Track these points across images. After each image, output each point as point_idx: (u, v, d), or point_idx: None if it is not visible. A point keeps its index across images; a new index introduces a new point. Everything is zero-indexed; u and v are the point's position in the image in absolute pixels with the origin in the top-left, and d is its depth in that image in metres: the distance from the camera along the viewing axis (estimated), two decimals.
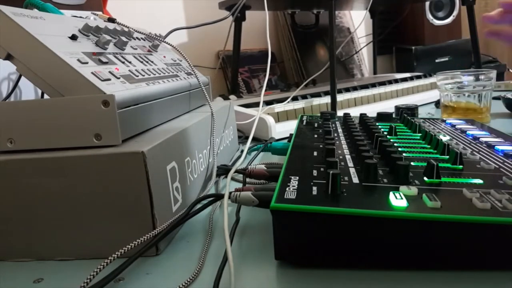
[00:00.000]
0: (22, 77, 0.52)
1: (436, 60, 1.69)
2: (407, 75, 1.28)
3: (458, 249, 0.28)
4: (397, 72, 1.65)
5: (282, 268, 0.30)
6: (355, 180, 0.33)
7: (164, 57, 0.58)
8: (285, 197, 0.29)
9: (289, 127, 0.76)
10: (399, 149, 0.43)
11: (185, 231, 0.39)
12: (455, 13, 1.71)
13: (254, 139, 0.70)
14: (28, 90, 0.68)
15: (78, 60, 0.37)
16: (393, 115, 0.63)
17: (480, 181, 0.33)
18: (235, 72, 1.20)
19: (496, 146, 0.43)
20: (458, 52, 1.69)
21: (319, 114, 0.63)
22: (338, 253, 0.29)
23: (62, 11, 0.49)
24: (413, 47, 1.67)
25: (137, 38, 0.55)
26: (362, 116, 0.58)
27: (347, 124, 0.53)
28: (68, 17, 0.47)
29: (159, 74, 0.49)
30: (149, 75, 0.46)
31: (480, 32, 1.26)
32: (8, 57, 0.37)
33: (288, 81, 1.47)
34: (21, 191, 0.34)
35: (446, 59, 1.69)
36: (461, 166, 0.37)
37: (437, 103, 1.00)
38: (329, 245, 0.29)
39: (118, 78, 0.39)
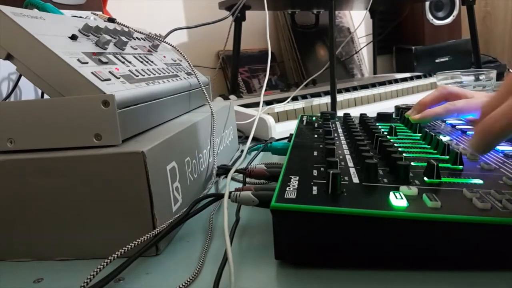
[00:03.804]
0: (22, 77, 0.52)
1: (436, 60, 1.69)
2: (407, 75, 1.28)
3: (458, 249, 0.28)
4: (397, 72, 1.65)
5: (282, 268, 0.30)
6: (355, 180, 0.33)
7: (164, 57, 0.58)
8: (285, 196, 0.29)
9: (289, 127, 0.76)
10: (399, 149, 0.43)
11: (185, 231, 0.39)
12: (455, 13, 1.71)
13: (254, 139, 0.70)
14: (28, 90, 0.68)
15: (78, 60, 0.37)
16: (393, 115, 0.63)
17: (480, 181, 0.33)
18: (235, 72, 1.20)
19: (496, 146, 0.43)
20: (458, 52, 1.69)
21: (319, 114, 0.63)
22: (338, 253, 0.29)
23: (62, 11, 0.49)
24: (413, 47, 1.67)
25: (137, 38, 0.55)
26: (362, 116, 0.58)
27: (347, 124, 0.53)
28: (68, 17, 0.47)
29: (159, 74, 0.49)
30: (149, 75, 0.46)
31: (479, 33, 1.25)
32: (8, 57, 0.37)
33: (288, 81, 1.47)
34: (21, 191, 0.34)
35: (446, 59, 1.69)
36: (461, 166, 0.37)
37: None
38: (329, 245, 0.29)
39: (118, 78, 0.39)
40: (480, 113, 0.29)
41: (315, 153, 0.41)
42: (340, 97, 0.96)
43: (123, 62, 0.44)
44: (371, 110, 0.81)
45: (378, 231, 0.28)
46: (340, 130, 0.53)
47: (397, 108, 0.66)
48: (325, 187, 0.30)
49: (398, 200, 0.28)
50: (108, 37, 0.44)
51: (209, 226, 0.39)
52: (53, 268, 0.34)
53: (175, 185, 0.38)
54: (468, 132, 0.51)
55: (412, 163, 0.37)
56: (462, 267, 0.28)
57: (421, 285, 0.27)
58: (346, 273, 0.29)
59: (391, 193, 0.29)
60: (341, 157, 0.40)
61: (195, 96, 0.58)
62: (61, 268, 0.34)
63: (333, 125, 0.56)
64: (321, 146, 0.44)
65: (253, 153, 0.67)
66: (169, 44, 0.57)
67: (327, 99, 0.93)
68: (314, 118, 0.62)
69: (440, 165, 0.35)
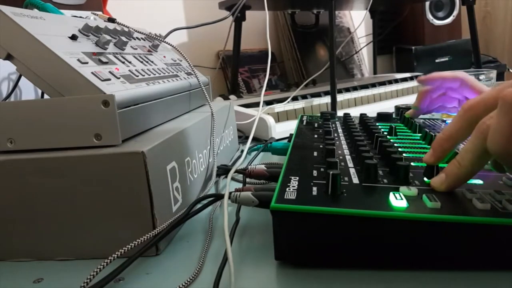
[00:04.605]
0: (22, 77, 0.52)
1: (436, 60, 1.69)
2: (407, 75, 1.28)
3: (458, 250, 0.28)
4: (397, 72, 1.65)
5: (282, 268, 0.30)
6: (355, 180, 0.33)
7: (164, 57, 0.58)
8: (285, 197, 0.29)
9: (289, 127, 0.76)
10: (399, 149, 0.43)
11: (185, 231, 0.39)
12: (455, 13, 1.71)
13: (254, 139, 0.70)
14: (28, 90, 0.68)
15: (78, 60, 0.37)
16: (393, 115, 0.63)
17: (480, 182, 0.33)
18: (235, 72, 1.20)
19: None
20: (458, 52, 1.69)
21: (319, 114, 0.63)
22: (338, 253, 0.29)
23: (62, 11, 0.49)
24: (413, 47, 1.67)
25: (137, 38, 0.55)
26: (362, 116, 0.58)
27: (347, 124, 0.53)
28: (68, 17, 0.47)
29: (159, 74, 0.49)
30: (149, 75, 0.46)
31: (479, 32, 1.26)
32: (8, 57, 0.37)
33: (288, 81, 1.47)
34: (21, 191, 0.34)
35: (446, 59, 1.69)
36: None
37: None
38: (329, 245, 0.29)
39: (118, 78, 0.39)
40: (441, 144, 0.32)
41: (315, 153, 0.41)
42: (340, 97, 0.96)
43: (123, 62, 0.44)
44: (371, 110, 0.81)
45: (378, 231, 0.28)
46: (340, 130, 0.53)
47: (397, 108, 0.66)
48: (325, 187, 0.30)
49: (398, 201, 0.28)
50: (108, 37, 0.44)
51: (209, 226, 0.39)
52: (53, 268, 0.34)
53: (175, 185, 0.38)
54: None
55: (412, 163, 0.37)
56: (462, 267, 0.28)
57: (421, 285, 0.27)
58: (346, 273, 0.29)
59: (391, 194, 0.29)
60: (341, 157, 0.40)
61: (195, 96, 0.58)
62: (61, 268, 0.34)
63: (333, 125, 0.56)
64: (321, 146, 0.44)
65: (253, 153, 0.67)
66: (169, 44, 0.57)
67: (327, 99, 0.93)
68: (314, 118, 0.62)
69: (440, 165, 0.35)
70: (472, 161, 0.29)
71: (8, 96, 0.63)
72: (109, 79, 0.37)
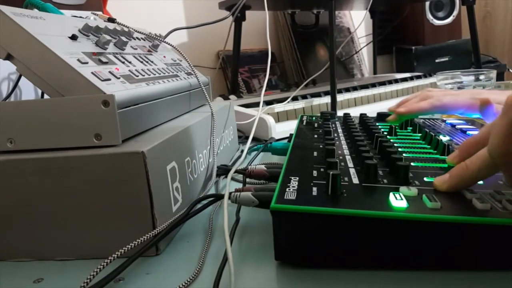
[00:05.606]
0: (22, 77, 0.52)
1: (436, 60, 1.69)
2: (407, 75, 1.28)
3: (458, 250, 0.28)
4: (397, 72, 1.65)
5: (282, 268, 0.30)
6: (355, 180, 0.33)
7: (164, 57, 0.58)
8: (285, 197, 0.29)
9: (289, 127, 0.76)
10: (399, 149, 0.43)
11: (185, 231, 0.39)
12: (455, 13, 1.71)
13: (254, 139, 0.69)
14: (28, 90, 0.68)
15: (78, 60, 0.37)
16: None
17: (480, 182, 0.33)
18: (235, 72, 1.20)
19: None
20: (458, 52, 1.69)
21: (319, 114, 0.63)
22: (338, 254, 0.29)
23: (62, 11, 0.49)
24: (413, 47, 1.67)
25: (137, 38, 0.55)
26: (362, 116, 0.58)
27: (347, 124, 0.53)
28: (68, 17, 0.47)
29: (159, 74, 0.49)
30: (149, 75, 0.46)
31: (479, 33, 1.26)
32: (8, 57, 0.37)
33: (288, 81, 1.47)
34: (21, 191, 0.34)
35: (446, 59, 1.69)
36: None
37: None
38: (329, 246, 0.29)
39: (118, 78, 0.39)
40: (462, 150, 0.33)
41: (315, 153, 0.41)
42: (340, 97, 0.96)
43: (123, 62, 0.44)
44: (371, 110, 0.81)
45: (378, 232, 0.28)
46: (340, 130, 0.53)
47: None
48: (325, 188, 0.30)
49: (398, 201, 0.28)
50: (108, 37, 0.44)
51: (209, 226, 0.39)
52: (53, 268, 0.34)
53: (175, 185, 0.38)
54: (468, 132, 0.51)
55: (412, 163, 0.37)
56: (462, 267, 0.28)
57: (421, 285, 0.27)
58: (346, 273, 0.29)
59: (391, 194, 0.29)
60: (341, 157, 0.40)
61: (195, 96, 0.58)
62: (61, 268, 0.34)
63: (333, 125, 0.56)
64: (321, 146, 0.44)
65: (253, 153, 0.67)
66: (169, 44, 0.57)
67: (327, 99, 0.93)
68: (314, 118, 0.62)
69: (440, 165, 0.35)
70: (480, 167, 0.29)
71: (8, 96, 0.63)
72: (109, 79, 0.37)
